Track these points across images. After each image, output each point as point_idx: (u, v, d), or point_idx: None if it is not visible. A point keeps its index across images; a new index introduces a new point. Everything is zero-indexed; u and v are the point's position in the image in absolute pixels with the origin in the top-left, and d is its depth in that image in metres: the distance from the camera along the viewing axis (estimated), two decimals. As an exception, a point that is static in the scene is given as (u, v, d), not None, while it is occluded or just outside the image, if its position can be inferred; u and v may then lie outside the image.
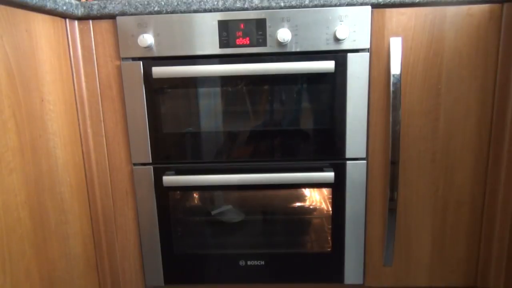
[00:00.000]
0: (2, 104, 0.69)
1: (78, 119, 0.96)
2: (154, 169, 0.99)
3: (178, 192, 1.03)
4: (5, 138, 0.70)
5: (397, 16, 0.91)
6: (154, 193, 1.00)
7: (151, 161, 0.98)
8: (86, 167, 0.99)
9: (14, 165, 0.72)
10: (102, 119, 0.98)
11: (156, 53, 0.93)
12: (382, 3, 0.89)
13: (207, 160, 0.99)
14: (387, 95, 0.94)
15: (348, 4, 0.90)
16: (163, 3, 0.91)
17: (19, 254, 0.73)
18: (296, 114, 0.96)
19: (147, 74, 0.94)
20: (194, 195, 1.10)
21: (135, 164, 0.99)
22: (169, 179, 0.97)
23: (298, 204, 1.11)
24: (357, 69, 0.92)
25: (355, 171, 0.97)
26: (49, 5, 0.80)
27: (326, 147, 0.97)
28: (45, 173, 0.81)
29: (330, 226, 1.01)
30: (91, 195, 1.01)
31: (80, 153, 0.96)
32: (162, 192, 1.00)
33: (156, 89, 0.95)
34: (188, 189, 1.04)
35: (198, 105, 0.96)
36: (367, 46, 0.91)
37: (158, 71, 0.92)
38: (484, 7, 0.89)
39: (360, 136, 0.95)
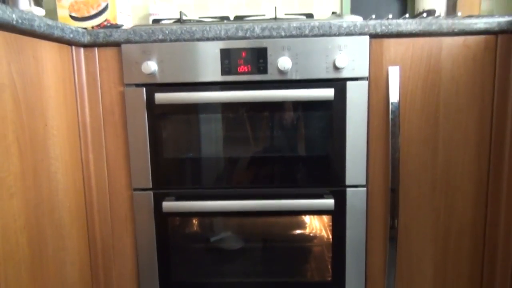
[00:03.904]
0: (6, 129, 0.70)
1: (80, 144, 0.97)
2: (154, 194, 0.99)
3: (178, 218, 1.03)
4: (8, 162, 0.70)
5: (394, 46, 0.93)
6: (154, 219, 1.00)
7: (151, 187, 0.99)
8: (86, 192, 0.99)
9: (15, 189, 0.72)
10: (104, 144, 0.99)
11: (159, 79, 0.95)
12: (380, 33, 0.92)
13: (207, 186, 0.99)
14: (386, 122, 0.95)
15: (347, 34, 0.93)
16: (167, 32, 0.94)
17: (16, 281, 0.72)
18: (296, 140, 0.97)
19: (150, 100, 0.96)
20: (194, 221, 1.10)
21: (135, 189, 1.00)
22: (168, 205, 0.98)
23: (298, 231, 1.10)
24: (356, 97, 0.94)
25: (355, 198, 0.98)
26: (57, 33, 0.82)
27: (326, 174, 0.97)
28: (46, 198, 0.82)
29: (331, 255, 1.00)
30: (90, 221, 1.00)
31: (80, 178, 0.97)
32: (162, 218, 1.00)
33: (158, 114, 0.97)
34: (188, 215, 1.03)
35: (199, 131, 0.98)
36: (366, 74, 0.93)
37: (161, 97, 0.94)
38: (480, 38, 0.92)
39: (360, 163, 0.96)
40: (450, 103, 0.95)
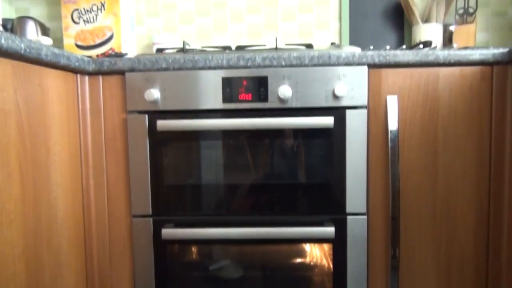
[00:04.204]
0: (9, 155, 0.71)
1: (81, 170, 0.98)
2: (154, 221, 0.99)
3: (177, 245, 1.02)
4: (9, 188, 0.71)
5: (392, 76, 0.95)
6: (152, 246, 0.99)
7: (151, 213, 0.98)
8: (85, 218, 0.99)
9: (15, 216, 0.72)
10: (105, 170, 0.99)
11: (161, 106, 0.97)
12: (378, 63, 0.94)
13: (207, 213, 0.99)
14: (386, 150, 0.96)
15: (346, 64, 0.95)
16: (170, 61, 0.96)
17: (10, 309, 0.71)
18: (297, 168, 0.97)
19: (152, 127, 0.97)
20: (193, 249, 1.09)
21: (134, 216, 0.99)
22: (168, 232, 0.97)
23: (298, 260, 1.09)
24: (356, 125, 0.95)
25: (356, 227, 0.97)
26: (63, 61, 0.85)
27: (327, 202, 0.97)
28: (45, 225, 0.82)
29: (331, 284, 0.99)
30: (88, 248, 0.99)
31: (80, 204, 0.97)
32: (161, 245, 0.99)
33: (159, 141, 0.97)
34: (187, 242, 1.02)
35: (199, 158, 0.98)
36: (365, 103, 0.95)
37: (163, 124, 0.95)
38: (476, 68, 0.95)
39: (360, 191, 0.96)
40: (449, 132, 0.96)
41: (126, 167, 0.99)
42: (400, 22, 1.45)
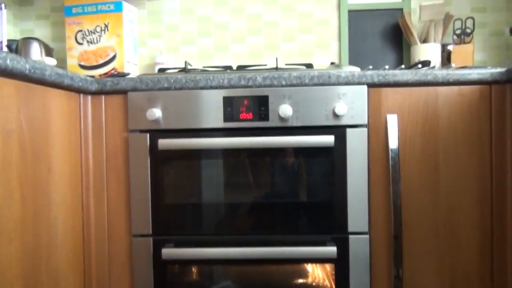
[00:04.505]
0: (11, 174, 0.71)
1: (82, 189, 0.98)
2: (154, 241, 0.98)
3: (177, 265, 1.01)
4: (10, 208, 0.71)
5: (392, 95, 0.96)
6: (152, 266, 0.98)
7: (151, 233, 0.98)
8: (85, 237, 0.98)
9: (15, 235, 0.72)
10: (105, 189, 0.99)
11: (163, 126, 0.97)
12: (377, 83, 0.96)
13: (208, 232, 0.98)
14: (387, 169, 0.96)
15: (346, 83, 0.96)
16: (172, 81, 0.97)
17: (7, 331, 0.70)
18: (297, 187, 0.97)
19: (153, 145, 0.97)
20: (193, 269, 1.08)
21: (134, 236, 0.99)
22: (168, 252, 0.96)
23: (300, 280, 1.07)
24: (356, 144, 0.95)
25: (358, 246, 0.96)
26: (66, 81, 0.86)
27: (328, 221, 0.97)
28: (44, 244, 0.81)
29: (334, 305, 0.97)
30: (87, 268, 0.98)
31: (80, 223, 0.96)
32: (161, 265, 0.98)
33: (161, 160, 0.98)
34: (187, 262, 1.01)
35: (200, 177, 0.98)
36: (365, 122, 0.96)
37: (164, 143, 0.95)
38: (474, 88, 0.96)
39: (362, 210, 0.96)
40: (449, 150, 0.96)
41: (126, 186, 0.99)
42: (398, 42, 1.47)
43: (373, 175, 0.97)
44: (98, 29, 1.37)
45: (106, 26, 1.37)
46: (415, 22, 1.45)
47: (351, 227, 0.96)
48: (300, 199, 0.97)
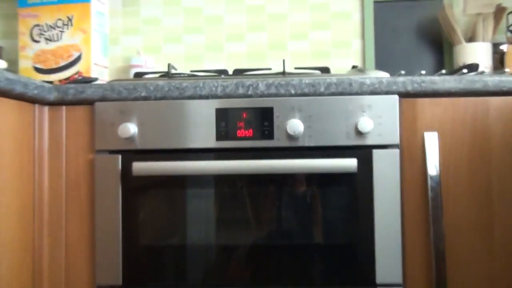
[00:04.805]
0: None
1: (34, 226, 0.97)
2: (124, 293, 0.97)
3: (154, 326, 1.00)
4: None
5: (430, 108, 0.97)
6: (122, 327, 0.97)
7: (121, 283, 0.97)
8: (35, 289, 0.97)
9: None
10: (64, 226, 0.99)
11: (138, 145, 0.98)
12: (411, 92, 0.96)
13: (194, 282, 0.97)
14: (425, 202, 0.96)
15: (372, 93, 0.97)
16: (152, 88, 0.99)
17: None
18: (310, 225, 0.97)
19: (126, 170, 0.98)
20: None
21: (99, 287, 0.98)
22: (142, 308, 0.95)
23: None
24: (386, 169, 0.96)
25: (390, 302, 0.95)
26: (18, 89, 0.87)
27: (350, 269, 0.96)
28: (-18, 296, 0.80)
29: None
30: (37, 329, 0.97)
31: (30, 271, 0.95)
32: (132, 326, 0.97)
33: (135, 189, 0.98)
34: (167, 322, 1.00)
35: (186, 211, 0.98)
36: (397, 141, 0.96)
37: (140, 167, 0.96)
38: (535, 98, 0.96)
39: (394, 255, 0.95)
40: (506, 178, 0.96)
41: (91, 222, 0.99)
42: (437, 41, 1.49)
43: (407, 211, 0.96)
44: (60, 23, 1.39)
45: (69, 19, 1.39)
46: (458, 16, 1.47)
47: (380, 278, 0.95)
48: (314, 240, 0.97)
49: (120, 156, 0.98)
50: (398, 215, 0.95)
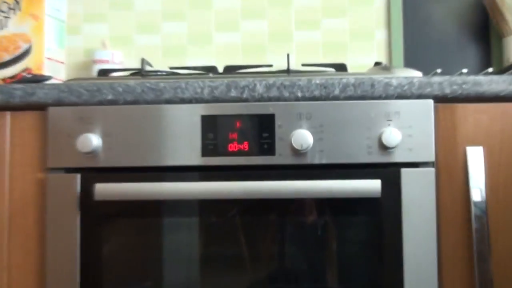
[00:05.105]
0: None
1: (-33, 264, 0.97)
2: None
3: None
4: None
5: (474, 115, 0.98)
6: None
7: None
8: None
9: None
10: (5, 265, 0.98)
11: (103, 162, 0.98)
12: (449, 96, 0.97)
13: None
14: (468, 236, 0.96)
15: (399, 97, 0.97)
16: (120, 89, 0.99)
17: None
18: (322, 264, 0.97)
19: (87, 193, 0.97)
20: None
21: None
22: None
23: None
24: (417, 194, 0.96)
25: None
26: (-50, 89, 0.87)
27: (372, 321, 0.95)
28: None
29: None
30: None
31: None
32: None
33: (98, 217, 0.98)
34: None
35: (162, 247, 0.98)
36: (431, 158, 0.96)
37: (104, 189, 0.95)
38: None
39: (428, 303, 0.95)
40: None
41: (40, 259, 0.98)
42: (483, 33, 1.50)
43: (445, 246, 0.96)
44: (4, 7, 1.40)
45: (17, 2, 1.39)
46: (510, 2, 1.48)
47: (410, 333, 0.95)
48: (327, 283, 0.96)
49: (79, 176, 0.98)
50: (433, 253, 0.95)
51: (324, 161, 0.97)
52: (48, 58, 1.40)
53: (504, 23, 1.42)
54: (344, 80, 0.98)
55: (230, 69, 1.27)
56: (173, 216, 0.98)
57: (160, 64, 1.54)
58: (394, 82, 0.98)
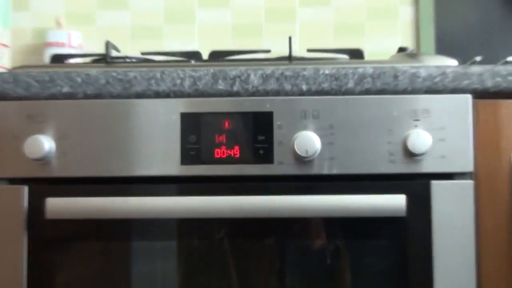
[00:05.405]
0: None
1: None
2: None
3: None
4: None
5: (524, 115, 0.98)
6: None
7: None
8: None
9: None
10: None
11: (57, 171, 0.98)
12: (492, 89, 0.97)
13: None
14: (515, 265, 0.96)
15: (428, 91, 0.98)
16: (79, 80, 0.99)
17: None
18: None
19: (36, 210, 0.97)
20: None
21: None
22: None
23: None
24: (452, 212, 0.96)
25: None
26: None
27: None
28: None
29: None
30: None
31: None
32: None
33: (51, 240, 0.98)
34: None
35: (130, 276, 0.98)
36: (469, 167, 0.97)
37: (58, 205, 0.95)
38: None
39: None
40: None
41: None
42: (534, 10, 1.51)
43: (486, 278, 0.97)
44: None
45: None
46: None
47: None
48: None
49: (26, 188, 0.98)
50: (472, 285, 0.96)
51: (334, 171, 0.97)
52: (-12, 40, 1.40)
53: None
54: (360, 70, 0.98)
55: (217, 55, 1.28)
56: (145, 239, 0.98)
57: (129, 48, 1.54)
58: (423, 72, 0.98)
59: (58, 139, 0.98)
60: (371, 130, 0.97)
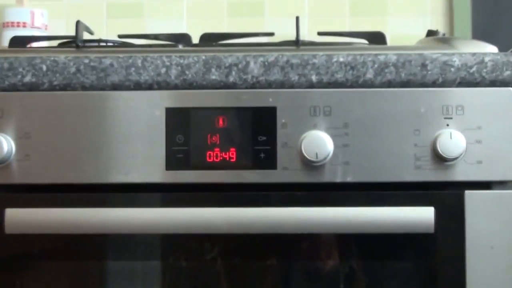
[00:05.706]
0: None
1: None
2: None
3: None
4: None
5: None
6: None
7: None
8: None
9: None
10: None
11: (17, 176, 0.98)
12: (538, 81, 0.98)
13: None
14: None
15: (463, 83, 0.98)
16: (44, 68, 0.99)
17: None
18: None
19: (-8, 224, 0.99)
20: None
21: None
22: None
23: None
24: (489, 227, 0.97)
25: None
26: None
27: None
28: None
29: None
30: None
31: None
32: None
33: (11, 258, 0.99)
34: None
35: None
36: (510, 176, 0.97)
37: (19, 217, 0.96)
38: None
39: None
40: None
41: None
42: None
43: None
44: None
45: None
46: None
47: None
48: None
49: (-19, 197, 0.99)
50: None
51: (349, 179, 0.98)
52: None
53: None
54: (381, 58, 0.99)
55: (210, 39, 1.28)
56: (123, 258, 0.99)
57: (104, 30, 1.54)
58: (457, 61, 0.98)
59: (19, 138, 0.99)
60: (394, 130, 0.98)
